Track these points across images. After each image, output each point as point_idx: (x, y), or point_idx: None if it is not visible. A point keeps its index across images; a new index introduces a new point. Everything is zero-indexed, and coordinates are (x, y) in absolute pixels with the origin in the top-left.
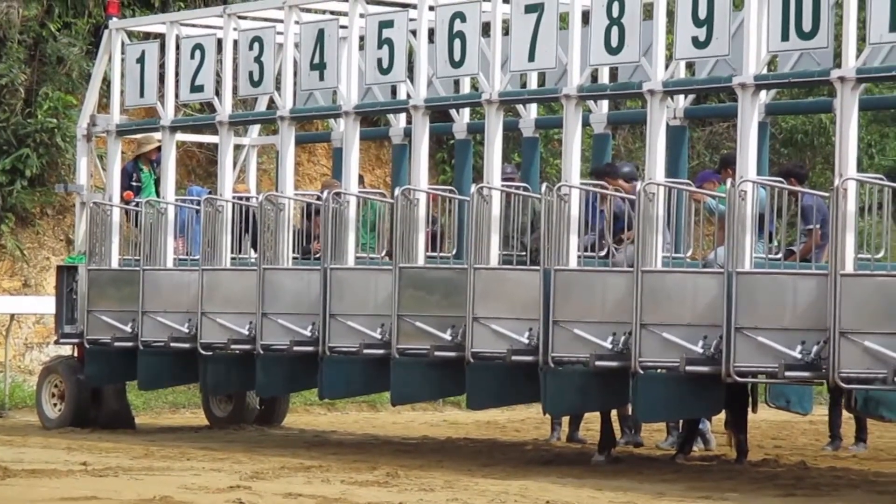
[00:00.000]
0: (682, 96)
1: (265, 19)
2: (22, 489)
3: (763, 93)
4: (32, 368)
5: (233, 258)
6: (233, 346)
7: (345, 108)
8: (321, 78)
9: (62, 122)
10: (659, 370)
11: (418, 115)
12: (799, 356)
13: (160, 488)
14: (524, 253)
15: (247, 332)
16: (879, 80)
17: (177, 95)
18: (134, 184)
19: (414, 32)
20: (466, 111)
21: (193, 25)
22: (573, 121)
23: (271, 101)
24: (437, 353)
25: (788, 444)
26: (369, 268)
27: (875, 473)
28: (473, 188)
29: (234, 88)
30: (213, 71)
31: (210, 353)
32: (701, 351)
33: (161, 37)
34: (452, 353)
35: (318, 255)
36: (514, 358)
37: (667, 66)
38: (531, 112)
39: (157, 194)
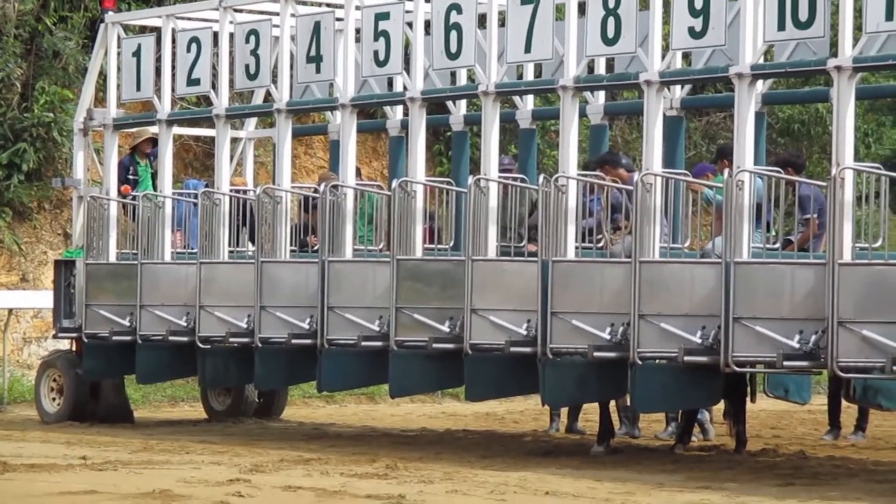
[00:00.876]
0: (678, 87)
1: (261, 12)
2: (21, 484)
3: (760, 82)
4: (31, 363)
5: (230, 251)
6: (231, 340)
7: (341, 101)
8: (318, 70)
9: (59, 116)
10: (657, 361)
11: (415, 107)
12: (797, 346)
13: (159, 482)
14: (522, 244)
15: (245, 326)
16: (876, 70)
17: (173, 89)
18: (131, 177)
19: (410, 24)
20: (463, 103)
21: (189, 19)
22: (570, 112)
23: (268, 94)
24: (435, 345)
25: (787, 433)
26: (367, 260)
27: (874, 462)
28: (471, 180)
29: (231, 82)
30: (209, 64)
31: (208, 347)
32: (699, 341)
33: (157, 30)
34: (451, 345)
35: (315, 249)
36: (512, 349)
37: (663, 57)
38: (528, 103)
39: (155, 188)
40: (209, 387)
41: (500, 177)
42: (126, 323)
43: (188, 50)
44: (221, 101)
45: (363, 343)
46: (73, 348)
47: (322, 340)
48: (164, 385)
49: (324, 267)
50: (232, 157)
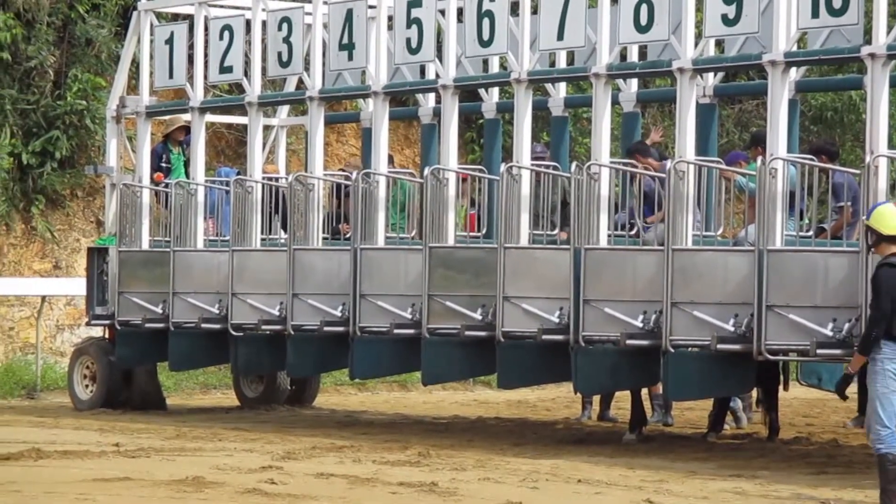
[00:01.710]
0: (711, 74)
1: None
2: (55, 470)
3: (793, 70)
4: (64, 350)
5: (263, 239)
6: (263, 327)
7: (374, 88)
8: (350, 58)
9: (91, 104)
10: (690, 349)
11: (447, 94)
12: (830, 334)
13: (192, 469)
14: (554, 231)
15: (277, 313)
16: None
17: (206, 77)
18: (164, 165)
19: (443, 12)
20: (495, 90)
21: (222, 6)
22: (602, 99)
23: (300, 81)
24: (467, 333)
25: (820, 422)
26: (399, 248)
27: None
28: (503, 167)
29: (263, 69)
30: (241, 52)
31: (241, 334)
32: (732, 329)
33: (190, 18)
34: (483, 333)
35: (347, 236)
36: (544, 337)
37: (696, 44)
38: (560, 91)
39: (187, 175)
40: (241, 374)
41: (532, 164)
42: (158, 310)
43: (221, 37)
44: (254, 89)
45: (395, 330)
46: (106, 335)
47: (354, 328)
48: (196, 372)
49: (356, 254)
50: (264, 145)
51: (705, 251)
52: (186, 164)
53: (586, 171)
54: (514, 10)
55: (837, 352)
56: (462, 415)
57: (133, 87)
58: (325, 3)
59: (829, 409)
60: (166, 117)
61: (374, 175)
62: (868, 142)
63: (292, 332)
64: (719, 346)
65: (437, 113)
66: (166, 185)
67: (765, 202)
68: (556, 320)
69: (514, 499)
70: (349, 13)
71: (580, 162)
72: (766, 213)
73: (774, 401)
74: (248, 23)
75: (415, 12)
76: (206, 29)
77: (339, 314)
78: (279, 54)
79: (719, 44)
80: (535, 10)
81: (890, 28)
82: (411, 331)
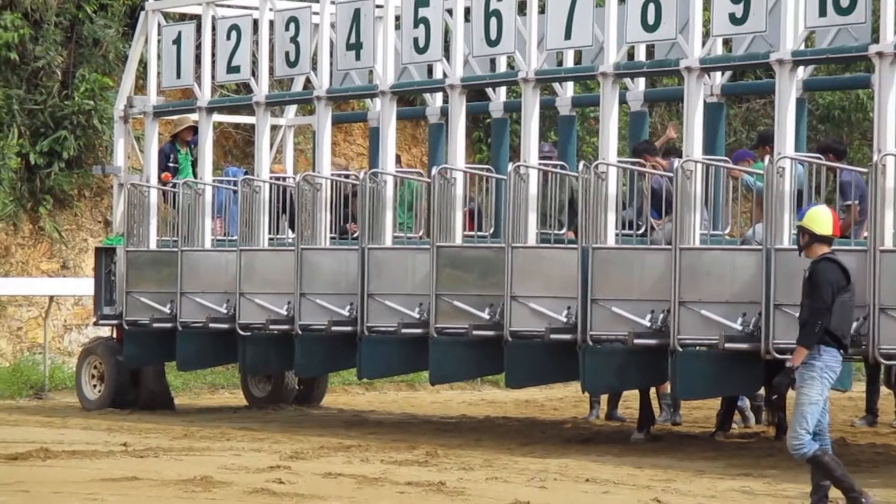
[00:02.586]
0: (718, 73)
1: None
2: (63, 470)
3: (800, 69)
4: (72, 350)
5: (270, 239)
6: (271, 327)
7: (381, 88)
8: (357, 58)
9: (99, 103)
10: (698, 348)
11: (455, 94)
12: None
13: (200, 468)
14: (562, 231)
15: (285, 313)
16: None
17: (213, 76)
18: (171, 165)
19: (450, 11)
20: (503, 90)
21: (229, 6)
22: (610, 99)
23: (308, 81)
24: (475, 333)
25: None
26: (407, 247)
27: None
28: (510, 167)
29: (271, 69)
30: (249, 52)
31: (248, 334)
32: (740, 328)
33: (197, 18)
34: (491, 332)
35: (355, 236)
36: (552, 336)
37: (703, 43)
38: (568, 90)
39: (195, 175)
40: (249, 374)
41: (539, 164)
42: (166, 310)
43: (228, 37)
44: (261, 89)
45: (403, 330)
46: (114, 335)
47: (362, 327)
48: (204, 372)
49: (364, 254)
50: (272, 145)
51: (713, 250)
52: (194, 163)
53: (594, 171)
54: (522, 9)
55: None
56: (470, 414)
57: (140, 87)
58: (333, 2)
59: (837, 408)
60: (174, 117)
61: (382, 175)
62: (876, 140)
63: (300, 332)
64: (727, 345)
65: (444, 112)
66: (174, 185)
67: (772, 201)
68: (564, 320)
69: (523, 498)
70: (356, 13)
71: (588, 161)
72: (773, 211)
73: (783, 400)
74: (255, 22)
75: (422, 12)
76: (214, 29)
77: (347, 314)
78: (286, 54)
79: (727, 43)
80: (542, 10)
81: None
82: (419, 330)
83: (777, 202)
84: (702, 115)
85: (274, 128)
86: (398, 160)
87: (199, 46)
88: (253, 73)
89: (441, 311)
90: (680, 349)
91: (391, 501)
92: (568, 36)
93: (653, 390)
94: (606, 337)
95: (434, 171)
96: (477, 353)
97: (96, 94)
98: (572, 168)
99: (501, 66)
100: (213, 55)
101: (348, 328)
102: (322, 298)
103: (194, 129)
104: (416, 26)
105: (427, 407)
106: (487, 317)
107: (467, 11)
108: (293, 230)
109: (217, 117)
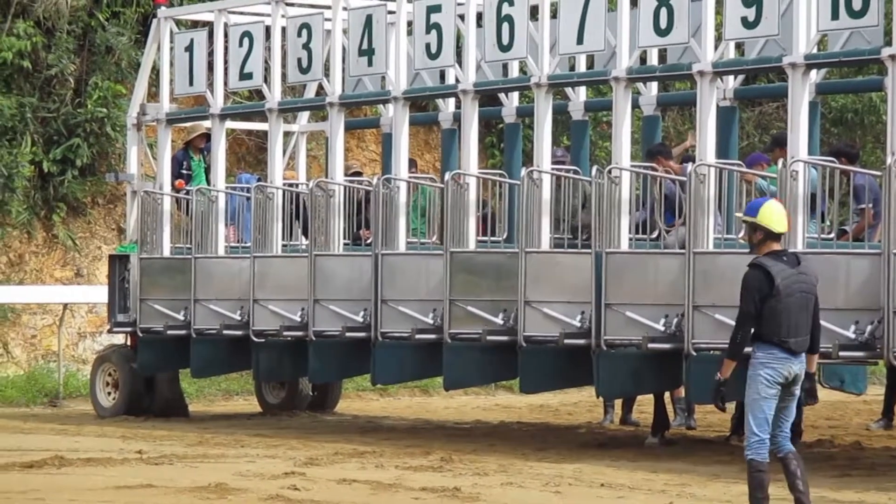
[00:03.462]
0: (731, 77)
1: (313, 6)
2: (77, 478)
3: (813, 72)
4: (86, 357)
5: (284, 245)
6: (285, 333)
7: (394, 94)
8: (370, 64)
9: (112, 111)
10: (712, 352)
11: (467, 99)
12: (853, 336)
13: (215, 475)
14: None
15: (299, 319)
16: None
17: (226, 83)
18: (184, 172)
19: (462, 17)
20: (515, 95)
21: (241, 13)
22: (622, 103)
23: (320, 87)
24: (489, 338)
25: (843, 424)
26: (420, 253)
27: None
28: (523, 172)
29: (283, 75)
30: (261, 58)
31: (262, 341)
32: None
33: (209, 25)
34: (505, 338)
35: (368, 242)
36: (566, 341)
37: (716, 47)
38: (580, 95)
39: (208, 182)
40: (263, 380)
41: (552, 169)
42: (180, 317)
43: (240, 44)
44: (274, 95)
45: (417, 336)
46: (128, 343)
47: (376, 333)
48: (218, 379)
49: (377, 260)
50: (284, 151)
51: (727, 254)
52: (207, 170)
53: (607, 175)
54: (534, 14)
55: (860, 354)
56: (484, 419)
57: (153, 95)
58: (345, 8)
59: (852, 412)
60: (187, 124)
61: (395, 180)
62: (889, 143)
63: (314, 338)
64: None
65: (457, 118)
66: (187, 192)
67: (786, 204)
68: (578, 324)
69: (537, 503)
70: (369, 19)
71: (601, 166)
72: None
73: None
74: (267, 29)
75: (434, 17)
76: (226, 36)
77: (361, 320)
78: (299, 60)
79: (739, 46)
80: (554, 14)
81: None
82: (433, 336)
83: (790, 206)
84: (715, 118)
85: (287, 134)
86: (414, 165)
87: (211, 53)
88: (265, 80)
89: (455, 316)
90: (694, 353)
91: None
92: (580, 41)
93: (667, 395)
94: (620, 341)
95: (447, 176)
96: (491, 358)
97: (109, 102)
98: (585, 173)
99: (514, 72)
100: (226, 62)
101: (362, 334)
102: (336, 304)
103: (207, 136)
104: (428, 32)
105: (441, 412)
106: (501, 322)
107: (479, 17)
108: (306, 236)
109: (230, 124)
